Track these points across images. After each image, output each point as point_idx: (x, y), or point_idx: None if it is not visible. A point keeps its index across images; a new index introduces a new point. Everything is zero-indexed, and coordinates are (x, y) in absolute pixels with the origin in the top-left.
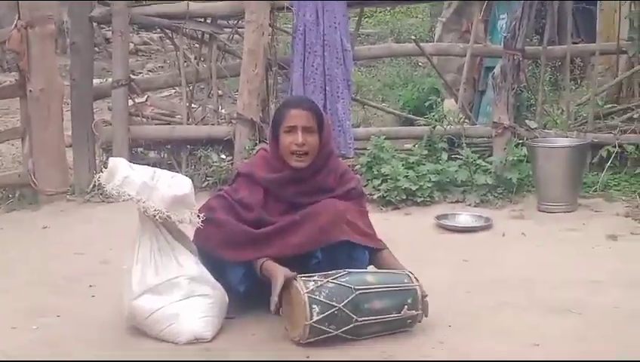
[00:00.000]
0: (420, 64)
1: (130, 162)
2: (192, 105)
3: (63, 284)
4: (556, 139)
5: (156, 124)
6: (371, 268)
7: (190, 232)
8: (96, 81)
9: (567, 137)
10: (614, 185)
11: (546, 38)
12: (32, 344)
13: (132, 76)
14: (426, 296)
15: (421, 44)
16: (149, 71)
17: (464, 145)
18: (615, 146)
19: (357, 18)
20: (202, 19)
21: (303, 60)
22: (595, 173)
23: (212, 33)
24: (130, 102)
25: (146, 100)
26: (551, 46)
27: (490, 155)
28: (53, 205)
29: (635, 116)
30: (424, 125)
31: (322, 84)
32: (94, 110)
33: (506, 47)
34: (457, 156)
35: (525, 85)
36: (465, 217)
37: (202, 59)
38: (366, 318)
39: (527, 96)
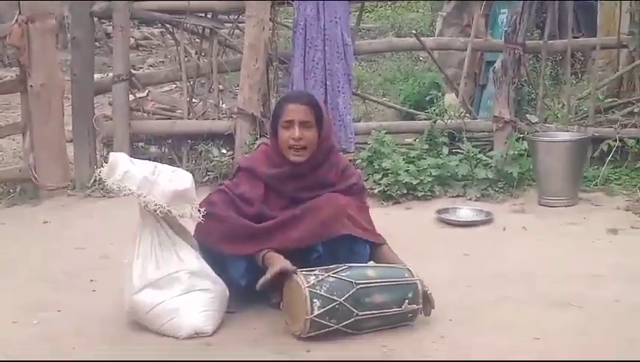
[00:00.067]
0: (420, 58)
1: (131, 157)
2: (193, 100)
3: (63, 279)
4: (557, 133)
5: (157, 119)
6: (371, 263)
7: (191, 227)
8: (97, 76)
9: (567, 131)
10: (615, 179)
11: (546, 32)
12: (32, 338)
13: (133, 71)
14: (427, 289)
15: (422, 39)
16: (150, 66)
17: (465, 139)
18: (616, 140)
19: (358, 13)
20: (203, 14)
21: (304, 55)
22: (596, 167)
23: (213, 28)
24: (131, 97)
25: (147, 95)
26: (552, 40)
27: (490, 149)
28: (54, 200)
29: (636, 110)
30: (425, 119)
31: (323, 79)
32: (95, 105)
33: (507, 42)
34: (458, 150)
35: (526, 79)
36: (466, 211)
37: (203, 53)
38: (367, 312)
39: (527, 91)
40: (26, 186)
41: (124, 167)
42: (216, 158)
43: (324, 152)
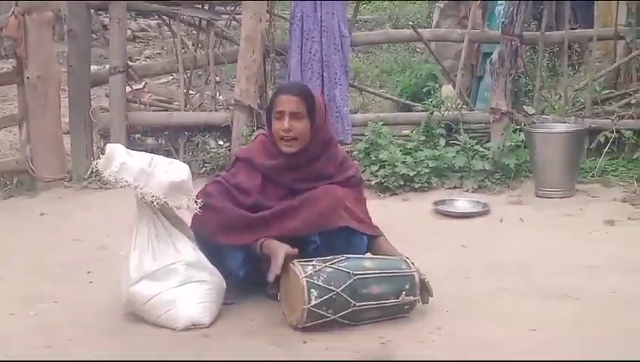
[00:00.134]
0: (417, 50)
1: (128, 148)
2: (190, 92)
3: (60, 271)
4: (554, 124)
5: (154, 111)
6: (368, 254)
7: (188, 218)
8: (93, 67)
9: (564, 123)
10: (612, 170)
11: (543, 24)
12: (29, 330)
13: (130, 63)
14: (425, 278)
15: (419, 30)
16: (147, 57)
17: (462, 130)
18: (613, 132)
19: (354, 4)
20: (200, 6)
21: (301, 46)
22: (593, 158)
23: (209, 19)
24: (128, 89)
25: (144, 87)
26: (549, 31)
27: (487, 141)
28: (50, 192)
29: (633, 102)
30: (422, 111)
31: (320, 70)
32: (92, 97)
33: (504, 33)
34: (455, 142)
35: (523, 71)
36: (463, 203)
37: (200, 45)
38: (364, 303)
39: (524, 82)
40: (23, 178)
41: (120, 159)
42: (213, 150)
43: (321, 144)
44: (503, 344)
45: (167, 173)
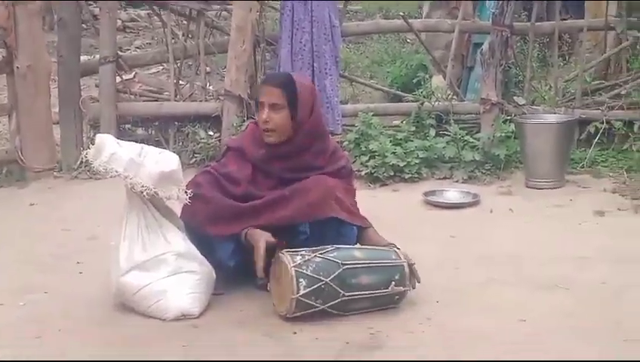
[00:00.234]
0: (408, 40)
1: (118, 139)
2: (180, 82)
3: (50, 261)
4: (544, 115)
5: (144, 101)
6: (358, 245)
7: (178, 209)
8: (83, 57)
9: (554, 113)
10: (602, 161)
11: (534, 15)
12: (19, 320)
13: (120, 53)
14: (413, 263)
15: (409, 21)
16: (137, 48)
17: (452, 121)
18: (603, 122)
19: None
20: None
21: (291, 37)
22: (583, 149)
23: (200, 9)
24: (118, 79)
25: (134, 77)
26: (539, 22)
27: (477, 132)
28: (40, 182)
29: (623, 92)
30: (412, 102)
31: (310, 61)
32: (82, 87)
33: (495, 24)
34: (445, 132)
35: (513, 61)
36: (453, 193)
37: (190, 35)
38: (353, 293)
39: (515, 73)
40: (13, 168)
41: (110, 149)
42: (203, 140)
43: (307, 137)
44: (492, 334)
45: (157, 163)
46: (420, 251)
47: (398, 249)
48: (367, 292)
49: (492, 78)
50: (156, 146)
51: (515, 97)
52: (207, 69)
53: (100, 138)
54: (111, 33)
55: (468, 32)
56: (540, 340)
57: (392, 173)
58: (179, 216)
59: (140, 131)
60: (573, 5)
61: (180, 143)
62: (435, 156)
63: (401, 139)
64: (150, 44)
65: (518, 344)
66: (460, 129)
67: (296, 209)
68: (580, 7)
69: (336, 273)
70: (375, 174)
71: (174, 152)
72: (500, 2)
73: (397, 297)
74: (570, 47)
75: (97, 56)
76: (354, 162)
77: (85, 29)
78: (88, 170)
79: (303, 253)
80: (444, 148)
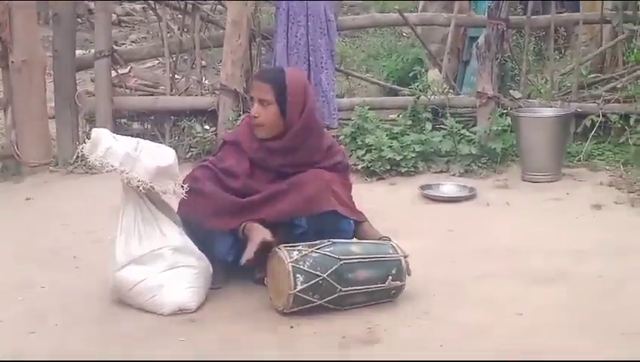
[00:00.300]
0: (404, 34)
1: (114, 133)
2: (176, 76)
3: (47, 256)
4: (540, 108)
5: (139, 95)
6: (354, 239)
7: (174, 203)
8: (78, 52)
9: (551, 107)
10: (598, 154)
11: (529, 8)
12: (17, 315)
13: (115, 47)
14: (407, 255)
15: (405, 14)
16: (132, 42)
17: (448, 115)
18: (599, 116)
19: None
20: None
21: (287, 31)
22: (579, 142)
23: (195, 3)
24: (113, 74)
25: (129, 71)
26: (535, 16)
27: (474, 125)
28: (36, 176)
29: (619, 86)
30: (408, 95)
31: (306, 55)
32: (77, 81)
33: (490, 17)
34: (441, 126)
35: (509, 55)
36: (449, 187)
37: (185, 29)
38: (350, 288)
39: (511, 66)
40: (8, 163)
41: (106, 144)
42: (199, 134)
43: (299, 133)
44: (489, 328)
45: (153, 157)
46: (416, 245)
47: (392, 242)
48: (364, 287)
49: (488, 72)
50: (152, 140)
51: (511, 91)
52: (203, 63)
53: (96, 132)
54: (106, 27)
55: (464, 26)
56: (537, 333)
57: (388, 167)
58: (175, 210)
59: (135, 125)
60: None
61: (176, 137)
62: (432, 150)
63: (397, 133)
64: (146, 38)
65: (515, 337)
66: (457, 123)
67: (294, 203)
68: (576, 1)
69: (334, 268)
70: (371, 168)
71: (170, 147)
72: None
73: (394, 291)
74: (566, 40)
75: (93, 51)
76: (350, 156)
77: (80, 23)
78: (84, 165)
79: (300, 248)
80: (440, 141)
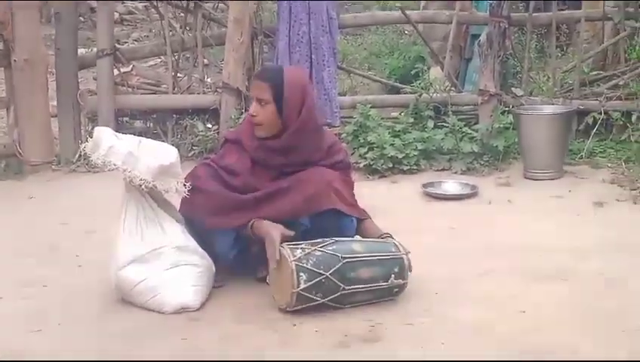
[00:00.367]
0: (406, 32)
1: (116, 132)
2: (178, 75)
3: (49, 254)
4: (542, 106)
5: (142, 94)
6: (357, 237)
7: (176, 201)
8: (81, 50)
9: (553, 104)
10: (600, 152)
11: (531, 5)
12: (18, 313)
13: (117, 45)
14: (409, 252)
15: (407, 12)
16: (135, 40)
17: (450, 112)
18: (601, 113)
19: None
20: None
21: (289, 29)
22: (581, 140)
23: (197, 1)
24: (116, 72)
25: (132, 70)
26: (537, 13)
27: (476, 123)
28: (38, 175)
29: (621, 83)
30: (410, 93)
31: (308, 53)
32: (79, 80)
33: (492, 15)
34: (443, 124)
35: (511, 52)
36: (451, 185)
37: (188, 28)
38: (353, 287)
39: (513, 64)
40: (11, 161)
41: (108, 142)
42: (201, 133)
43: (297, 133)
44: (491, 326)
45: (155, 156)
46: (418, 242)
47: (395, 240)
48: (366, 286)
49: (490, 69)
50: (154, 139)
51: (513, 88)
52: (205, 61)
53: (98, 131)
54: (108, 26)
55: (466, 24)
56: (539, 331)
57: (390, 165)
58: (178, 208)
59: (138, 124)
60: None
61: (179, 136)
62: (434, 147)
63: (399, 131)
64: (148, 36)
65: (517, 335)
66: (458, 120)
67: (296, 202)
68: None
69: (337, 267)
70: (373, 166)
71: (173, 145)
72: None
73: (396, 290)
74: (568, 37)
75: (95, 49)
76: (352, 154)
77: (82, 22)
78: (86, 163)
79: (303, 246)
80: (442, 139)
